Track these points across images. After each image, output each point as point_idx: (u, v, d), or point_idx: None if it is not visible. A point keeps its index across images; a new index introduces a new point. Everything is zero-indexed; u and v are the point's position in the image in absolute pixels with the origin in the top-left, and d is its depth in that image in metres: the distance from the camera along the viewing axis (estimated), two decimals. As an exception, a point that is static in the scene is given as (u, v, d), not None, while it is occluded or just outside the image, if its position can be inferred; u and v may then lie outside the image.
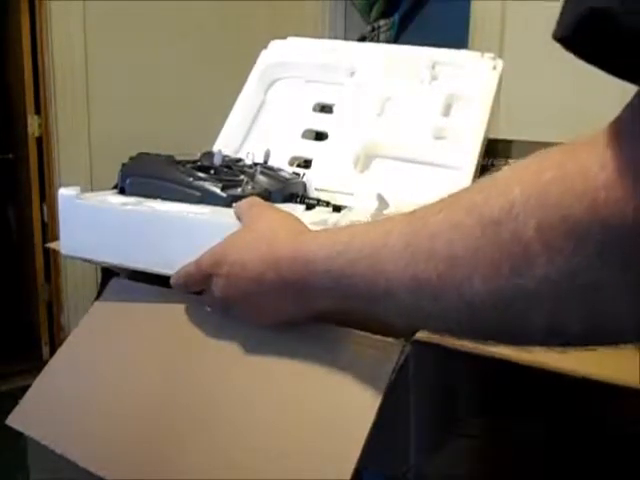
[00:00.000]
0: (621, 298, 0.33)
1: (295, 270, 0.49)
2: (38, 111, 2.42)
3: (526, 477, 0.61)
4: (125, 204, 0.64)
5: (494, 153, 0.87)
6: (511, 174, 0.37)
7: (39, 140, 2.42)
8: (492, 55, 0.87)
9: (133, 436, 0.54)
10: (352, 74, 0.89)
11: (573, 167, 0.32)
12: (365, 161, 0.82)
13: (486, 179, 0.39)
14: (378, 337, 0.51)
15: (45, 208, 2.47)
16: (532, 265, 0.34)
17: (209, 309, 0.59)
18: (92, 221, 0.64)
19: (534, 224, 0.33)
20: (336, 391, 0.50)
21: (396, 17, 2.60)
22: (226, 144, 0.86)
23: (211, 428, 0.52)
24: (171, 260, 0.59)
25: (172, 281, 0.59)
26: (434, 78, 0.86)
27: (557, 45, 0.32)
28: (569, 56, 0.32)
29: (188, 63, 2.58)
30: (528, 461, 0.60)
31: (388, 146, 0.81)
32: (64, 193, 0.64)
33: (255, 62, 0.93)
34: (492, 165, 0.88)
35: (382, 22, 2.60)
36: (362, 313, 0.50)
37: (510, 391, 0.50)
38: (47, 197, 2.45)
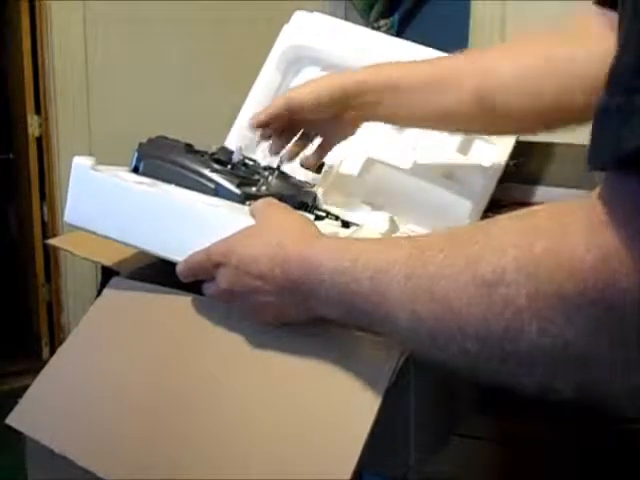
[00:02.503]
0: (612, 372, 0.33)
1: (302, 272, 0.49)
2: (38, 111, 2.41)
3: (527, 476, 0.61)
4: (140, 183, 0.64)
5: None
6: (505, 233, 0.37)
7: (39, 140, 2.41)
8: None
9: (133, 436, 0.54)
10: None
11: (563, 245, 0.33)
12: (374, 176, 0.80)
13: (482, 228, 0.40)
14: (379, 337, 0.51)
15: (45, 208, 2.46)
16: (523, 332, 0.34)
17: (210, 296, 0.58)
18: (103, 194, 0.63)
19: (525, 294, 0.34)
20: (337, 391, 0.50)
21: (396, 17, 2.59)
22: (240, 137, 0.84)
23: (211, 428, 0.52)
24: (175, 246, 0.59)
25: (179, 268, 0.59)
26: None
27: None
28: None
29: (189, 63, 2.58)
30: (529, 460, 0.60)
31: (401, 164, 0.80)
32: (79, 162, 0.64)
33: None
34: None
35: (382, 22, 2.60)
36: (364, 328, 0.51)
37: (510, 391, 0.50)
38: (47, 197, 2.44)
